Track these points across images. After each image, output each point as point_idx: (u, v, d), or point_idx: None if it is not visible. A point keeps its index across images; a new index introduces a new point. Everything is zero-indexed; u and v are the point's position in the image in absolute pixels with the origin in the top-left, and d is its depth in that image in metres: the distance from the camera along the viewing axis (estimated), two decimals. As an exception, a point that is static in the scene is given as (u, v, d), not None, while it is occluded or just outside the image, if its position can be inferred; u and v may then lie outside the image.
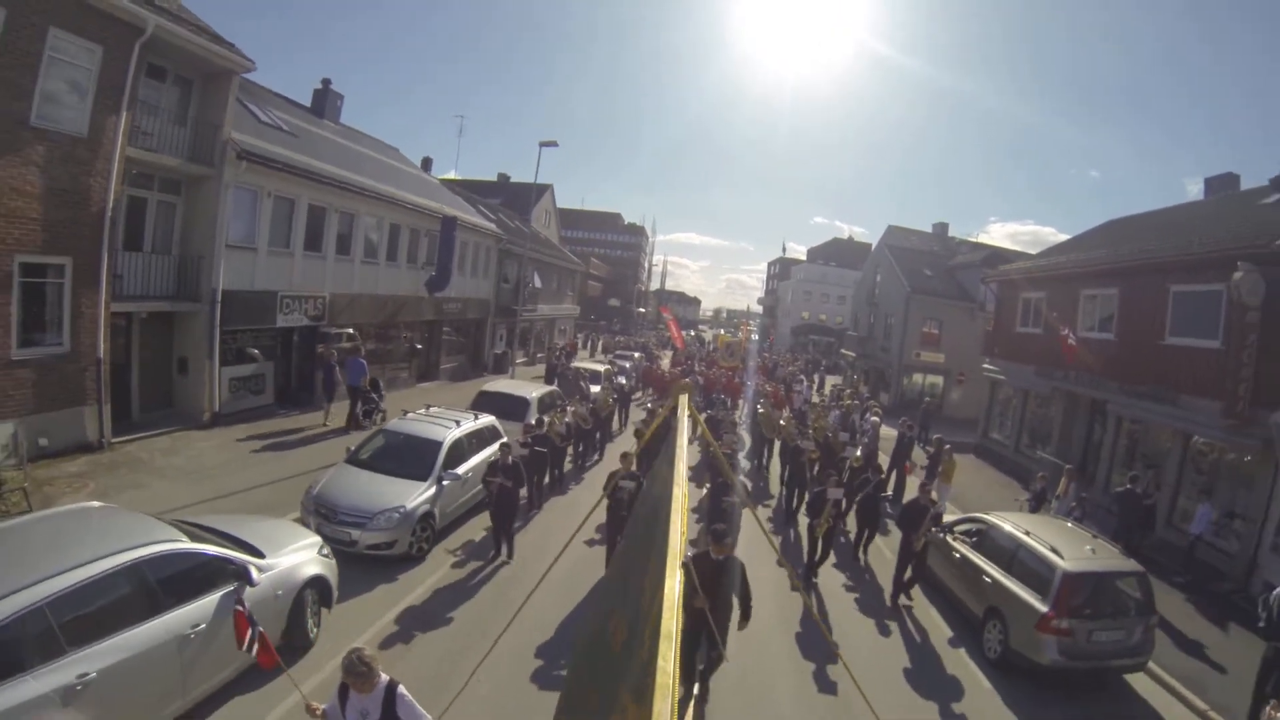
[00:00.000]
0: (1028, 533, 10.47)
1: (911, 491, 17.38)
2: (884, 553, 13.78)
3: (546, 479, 15.02)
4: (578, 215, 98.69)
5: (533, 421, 15.53)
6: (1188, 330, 15.81)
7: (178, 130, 15.65)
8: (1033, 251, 40.21)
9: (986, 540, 11.18)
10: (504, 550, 11.54)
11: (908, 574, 11.59)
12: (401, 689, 4.94)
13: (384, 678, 4.91)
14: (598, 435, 19.07)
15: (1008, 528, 10.90)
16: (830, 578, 12.55)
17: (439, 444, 12.31)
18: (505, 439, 13.73)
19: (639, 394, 29.14)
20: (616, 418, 22.89)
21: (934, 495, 11.82)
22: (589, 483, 16.47)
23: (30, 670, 5.19)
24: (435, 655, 8.38)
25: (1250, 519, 13.49)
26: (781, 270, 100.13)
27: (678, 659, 1.82)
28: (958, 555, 11.47)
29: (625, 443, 18.27)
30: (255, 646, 5.73)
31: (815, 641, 9.76)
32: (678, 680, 1.77)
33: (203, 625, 6.56)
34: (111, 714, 5.62)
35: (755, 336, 52.86)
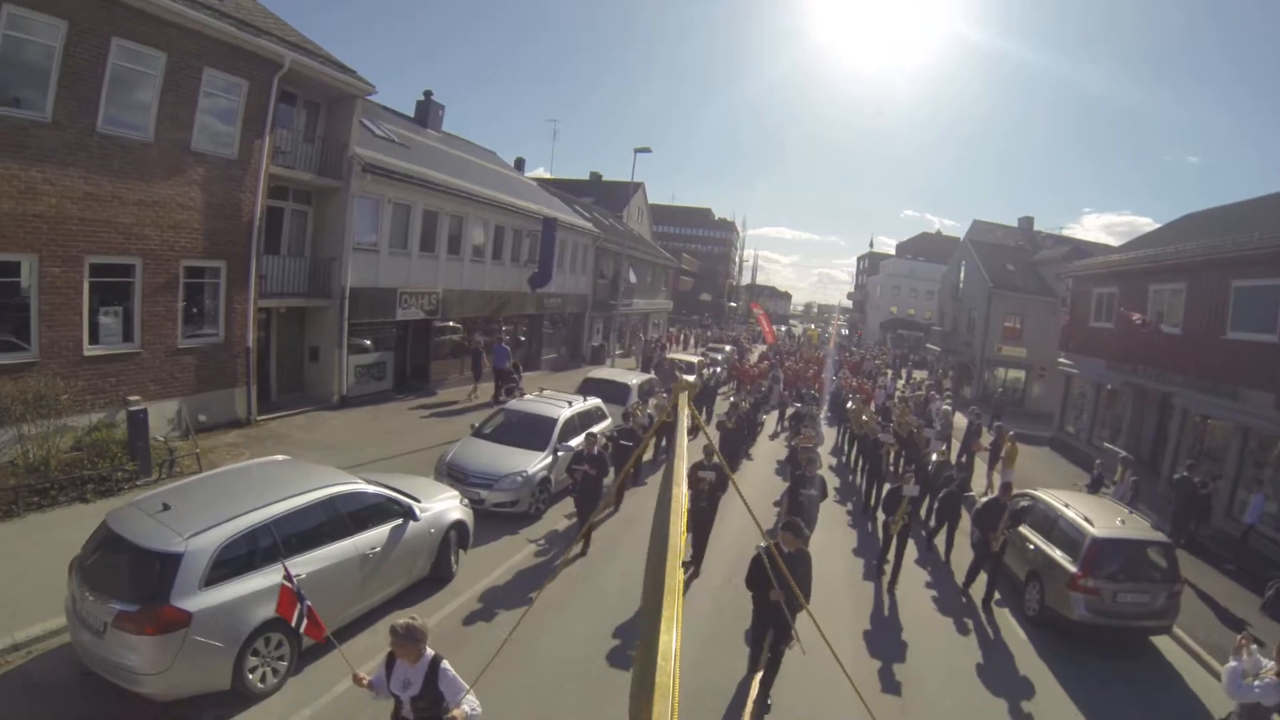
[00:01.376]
0: (1067, 505, 11.50)
1: (979, 475, 18.19)
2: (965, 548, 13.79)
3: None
4: (668, 211, 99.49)
5: (633, 403, 17.18)
6: (1248, 324, 16.22)
7: (308, 148, 17.80)
8: (1127, 244, 39.68)
9: (1033, 512, 12.13)
10: (583, 543, 11.80)
11: (981, 575, 11.77)
12: (445, 663, 5.08)
13: (429, 652, 5.08)
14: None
15: (1051, 500, 11.90)
16: (910, 573, 12.46)
17: (555, 420, 14.11)
18: (609, 419, 15.49)
19: (725, 388, 29.53)
20: (700, 412, 23.11)
21: (1013, 491, 11.98)
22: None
23: (260, 568, 7.01)
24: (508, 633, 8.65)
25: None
26: (870, 265, 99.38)
27: (678, 658, 1.83)
28: (1008, 527, 12.36)
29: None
30: (304, 622, 5.78)
31: (882, 639, 9.95)
32: (678, 680, 1.78)
33: (377, 548, 8.44)
34: (321, 602, 7.24)
35: (845, 331, 53.37)
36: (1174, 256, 19.62)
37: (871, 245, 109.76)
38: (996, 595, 11.53)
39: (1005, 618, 11.12)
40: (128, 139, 13.08)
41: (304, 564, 7.39)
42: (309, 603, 5.75)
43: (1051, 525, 11.45)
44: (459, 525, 10.18)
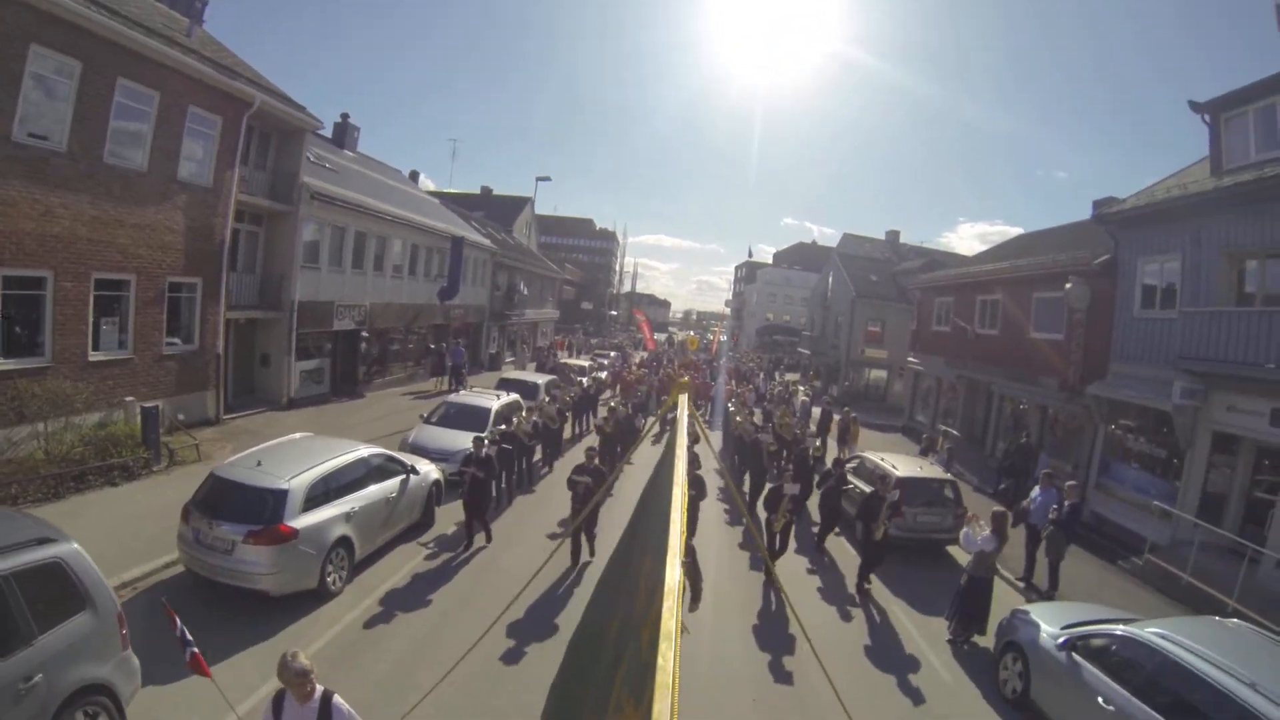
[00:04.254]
0: (883, 459, 15.40)
1: (831, 451, 21.66)
2: (844, 543, 14.93)
3: (514, 476, 15.79)
4: (552, 222, 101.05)
5: (546, 399, 19.93)
6: (1044, 327, 20.69)
7: (260, 175, 19.97)
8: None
9: (862, 467, 15.88)
10: (482, 537, 12.63)
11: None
12: (337, 699, 4.94)
13: (319, 688, 4.92)
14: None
15: (873, 457, 15.79)
16: (792, 563, 13.30)
17: (489, 409, 17.36)
18: (524, 409, 18.15)
19: (606, 393, 29.32)
20: (581, 419, 23.47)
21: (893, 487, 13.10)
22: (553, 480, 17.09)
23: (329, 503, 9.96)
24: (417, 635, 9.30)
25: (1082, 466, 18.17)
26: (748, 274, 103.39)
27: (677, 657, 1.79)
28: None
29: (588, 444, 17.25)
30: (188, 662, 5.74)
31: (772, 633, 10.43)
32: (678, 679, 1.74)
33: (394, 494, 11.57)
34: (363, 531, 10.63)
35: (724, 338, 57.22)
36: (990, 274, 24.20)
37: (750, 254, 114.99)
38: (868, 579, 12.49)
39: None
40: (127, 169, 15.10)
41: (357, 499, 10.53)
42: (195, 649, 5.72)
43: (872, 473, 14.88)
44: (437, 484, 13.43)
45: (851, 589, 12.32)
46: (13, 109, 12.63)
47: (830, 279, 48.09)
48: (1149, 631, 7.41)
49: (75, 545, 6.33)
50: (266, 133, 20.52)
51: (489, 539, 12.68)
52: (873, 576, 12.37)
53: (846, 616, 11.38)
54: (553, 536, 13.20)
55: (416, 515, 12.62)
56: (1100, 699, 7.37)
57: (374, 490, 10.98)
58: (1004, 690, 9.17)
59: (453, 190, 59.33)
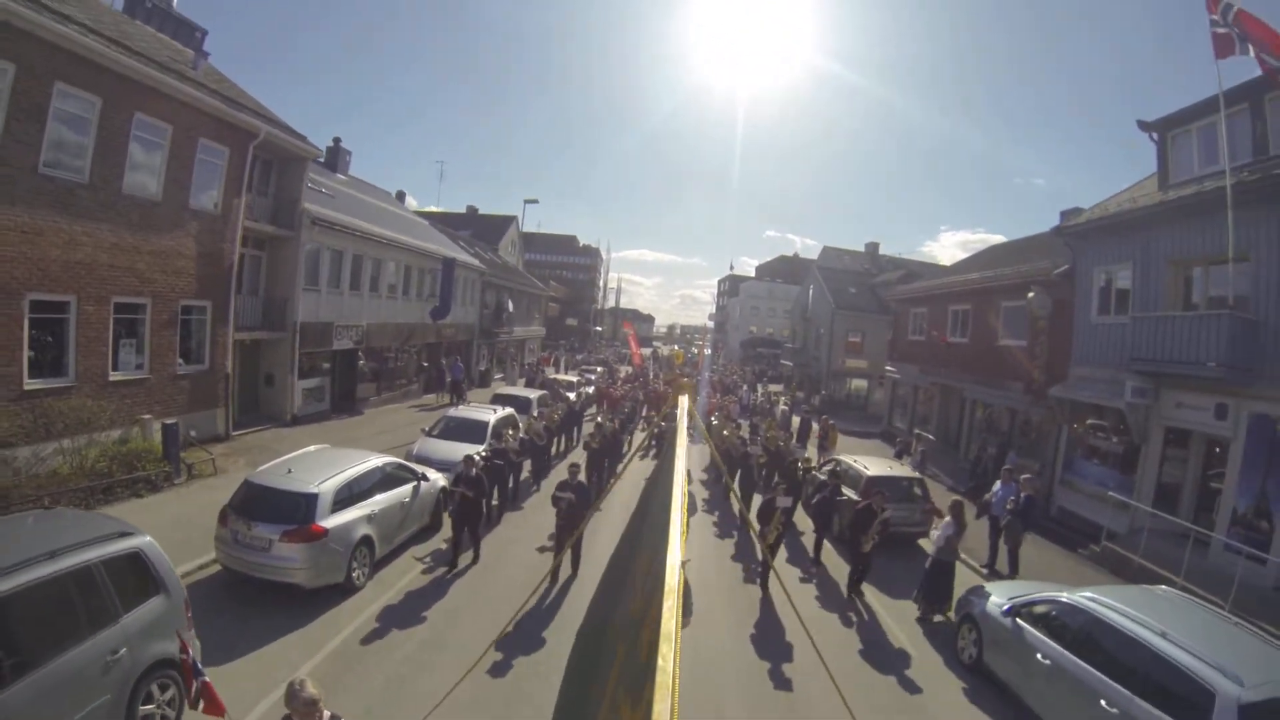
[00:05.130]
0: (856, 460, 16.56)
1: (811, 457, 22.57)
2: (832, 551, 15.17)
3: (506, 492, 16.11)
4: (536, 239, 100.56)
5: (535, 414, 20.86)
6: (1011, 334, 22.02)
7: (263, 201, 20.90)
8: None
9: (837, 468, 16.72)
10: (469, 555, 12.63)
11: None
12: None
13: (326, 713, 4.90)
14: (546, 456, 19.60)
15: (848, 459, 16.94)
16: (784, 573, 13.10)
17: (487, 423, 18.19)
18: (519, 424, 19.08)
19: (591, 409, 29.77)
20: (566, 436, 23.49)
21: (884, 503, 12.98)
22: (543, 496, 16.90)
23: (353, 505, 10.95)
24: (411, 650, 9.47)
25: (1048, 464, 19.36)
26: (731, 287, 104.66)
27: (677, 658, 1.80)
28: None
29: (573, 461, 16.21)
30: (201, 702, 5.92)
31: (768, 641, 10.77)
32: (678, 680, 1.75)
33: (408, 499, 12.58)
34: (382, 531, 11.58)
35: (709, 352, 58.18)
36: (961, 285, 25.54)
37: (732, 268, 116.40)
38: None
39: (879, 604, 12.63)
40: (143, 198, 15.94)
41: (377, 503, 11.53)
42: (206, 678, 6.06)
43: (846, 474, 16.15)
44: (444, 490, 14.27)
45: (844, 594, 12.89)
46: (39, 142, 13.38)
47: (811, 292, 49.33)
48: (1081, 596, 8.54)
49: (149, 538, 7.26)
50: (269, 161, 21.44)
51: (476, 558, 12.65)
52: (865, 583, 13.00)
53: (846, 621, 11.83)
54: (542, 550, 13.62)
55: (426, 519, 13.62)
56: (1039, 655, 8.51)
57: (391, 495, 12.00)
58: (962, 657, 10.34)
59: (440, 210, 60.43)
